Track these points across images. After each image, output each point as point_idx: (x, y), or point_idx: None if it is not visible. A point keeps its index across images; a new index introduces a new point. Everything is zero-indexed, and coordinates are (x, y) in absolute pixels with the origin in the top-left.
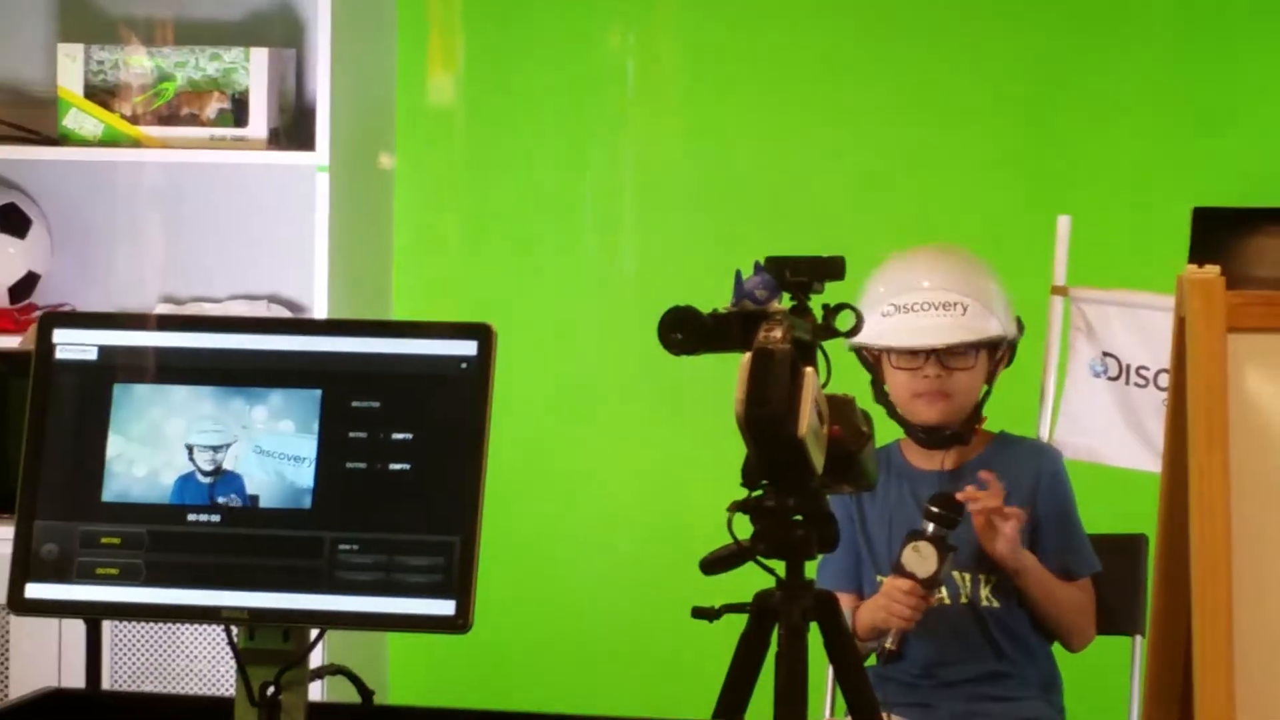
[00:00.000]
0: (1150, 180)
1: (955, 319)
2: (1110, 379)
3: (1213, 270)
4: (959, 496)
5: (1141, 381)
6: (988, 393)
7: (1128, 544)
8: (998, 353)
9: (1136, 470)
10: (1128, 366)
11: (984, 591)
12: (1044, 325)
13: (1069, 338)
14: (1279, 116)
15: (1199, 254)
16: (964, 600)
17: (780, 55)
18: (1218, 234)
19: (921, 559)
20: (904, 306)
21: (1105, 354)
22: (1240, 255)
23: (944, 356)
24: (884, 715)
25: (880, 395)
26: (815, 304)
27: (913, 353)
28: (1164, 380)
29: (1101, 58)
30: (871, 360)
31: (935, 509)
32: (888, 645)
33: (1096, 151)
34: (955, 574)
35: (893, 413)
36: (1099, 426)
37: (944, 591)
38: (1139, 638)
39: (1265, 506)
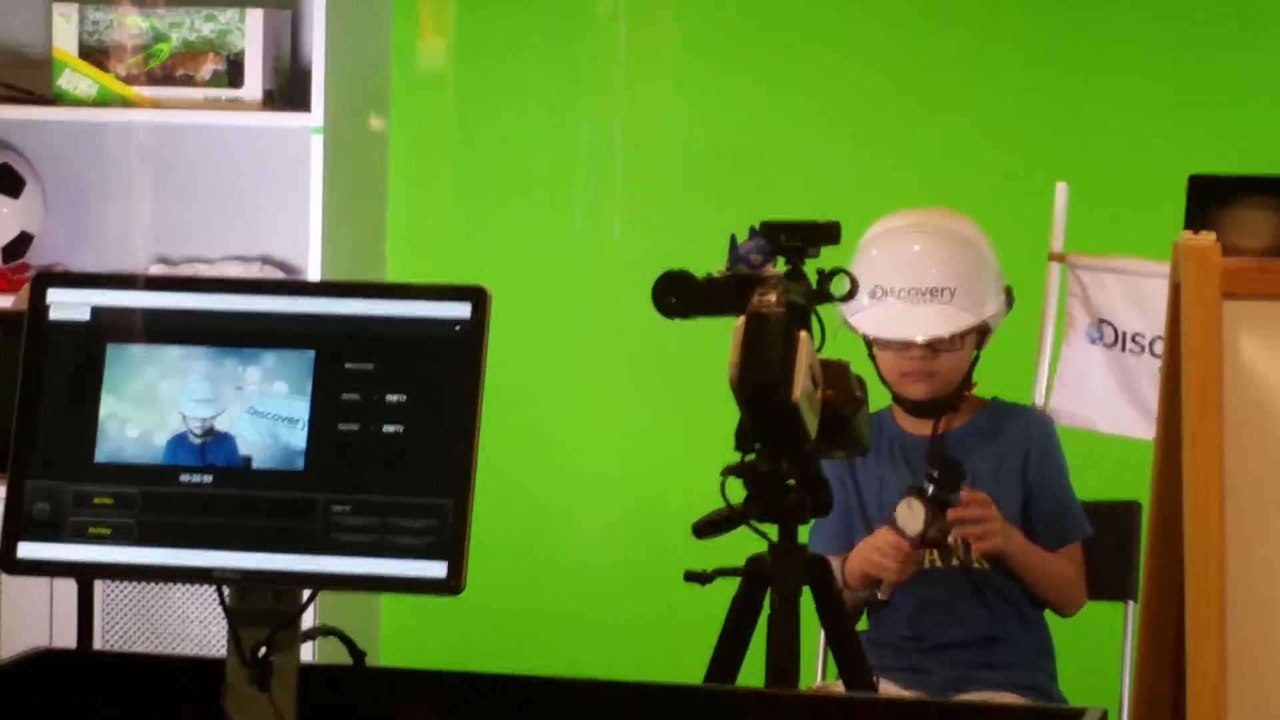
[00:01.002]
0: (1147, 147)
1: (941, 308)
2: (1106, 346)
3: (1208, 237)
4: (951, 515)
5: (1136, 348)
6: (976, 358)
7: (1121, 511)
8: (986, 330)
9: (1130, 437)
10: (1123, 333)
11: (976, 556)
12: (1041, 291)
13: (1065, 304)
14: (1274, 85)
15: (1195, 222)
16: (956, 562)
17: (774, 20)
18: (1214, 202)
19: (912, 516)
20: (892, 290)
21: (1101, 320)
22: (1235, 223)
23: (930, 341)
24: (876, 680)
25: (874, 359)
26: (810, 268)
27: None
28: (1159, 347)
29: (1100, 26)
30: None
31: (935, 473)
32: (880, 596)
33: (1094, 118)
34: (950, 538)
35: (883, 379)
36: (1094, 393)
37: (935, 554)
38: (1131, 603)
39: (1259, 473)
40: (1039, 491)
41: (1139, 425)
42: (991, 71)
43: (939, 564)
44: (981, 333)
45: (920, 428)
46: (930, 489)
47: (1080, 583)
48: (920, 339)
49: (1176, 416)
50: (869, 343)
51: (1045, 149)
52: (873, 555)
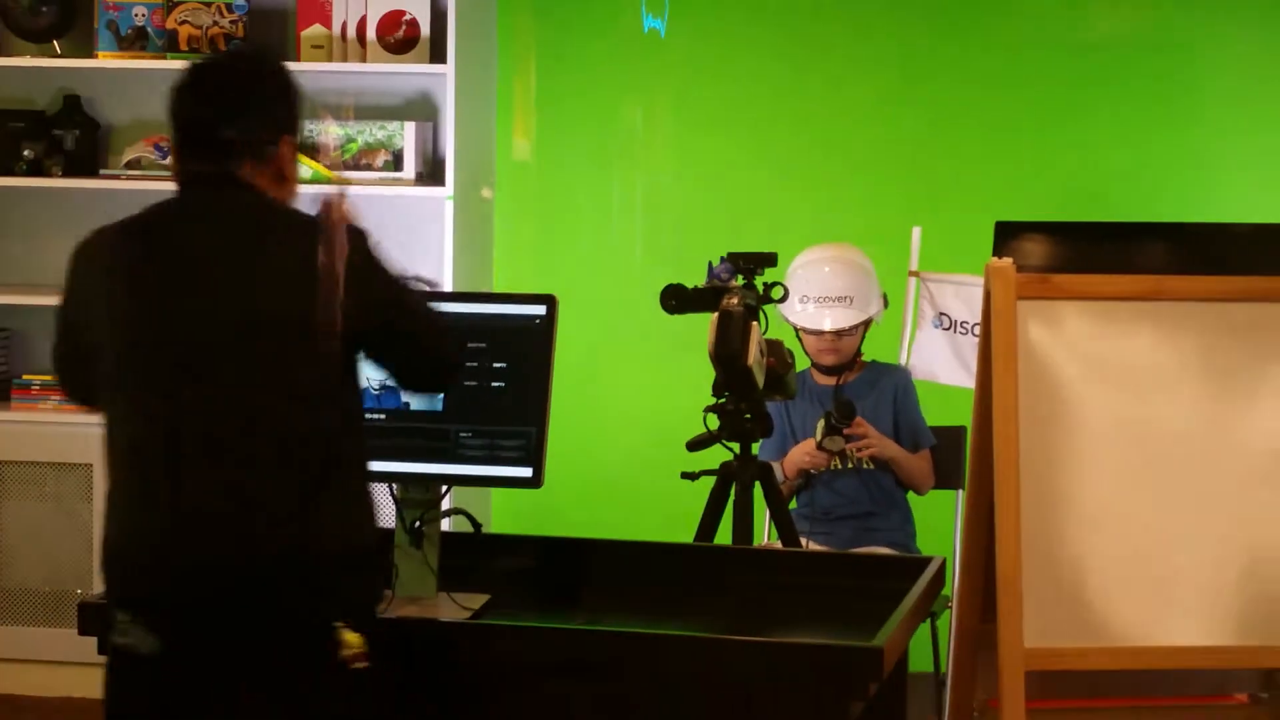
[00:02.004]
0: (972, 200)
1: (845, 309)
2: (944, 330)
3: (1007, 261)
4: (846, 432)
5: (964, 331)
6: (863, 337)
7: (954, 432)
8: (870, 321)
9: (960, 386)
10: (956, 321)
11: (864, 461)
12: (903, 295)
13: (919, 303)
14: (1058, 153)
15: (999, 250)
16: (850, 466)
17: (734, 122)
18: (1011, 237)
19: (834, 442)
20: (814, 298)
21: (941, 314)
22: (1024, 251)
23: (837, 330)
24: (802, 541)
25: (800, 340)
26: (758, 282)
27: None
28: (978, 330)
29: (940, 113)
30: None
31: (834, 416)
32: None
33: (937, 184)
34: (847, 450)
35: (806, 352)
36: (938, 359)
37: (838, 461)
38: (960, 491)
39: (1040, 413)
40: (902, 417)
41: (966, 379)
42: (877, 147)
43: (839, 467)
44: (868, 323)
45: (828, 381)
46: (832, 420)
47: (930, 474)
48: (830, 328)
49: (987, 374)
50: (797, 330)
51: (906, 204)
52: (800, 455)
